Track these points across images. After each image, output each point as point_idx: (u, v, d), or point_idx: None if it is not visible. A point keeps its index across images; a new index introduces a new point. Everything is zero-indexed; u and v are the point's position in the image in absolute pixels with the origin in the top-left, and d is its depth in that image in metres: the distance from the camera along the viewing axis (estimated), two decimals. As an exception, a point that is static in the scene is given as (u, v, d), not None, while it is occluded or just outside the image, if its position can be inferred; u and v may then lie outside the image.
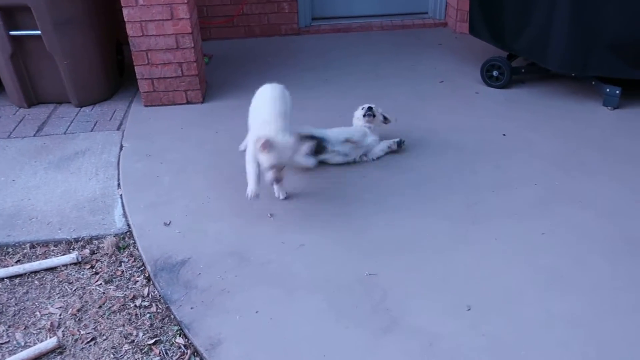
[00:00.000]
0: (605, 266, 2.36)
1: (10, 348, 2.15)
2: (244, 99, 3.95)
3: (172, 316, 2.22)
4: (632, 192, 2.82)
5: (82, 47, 3.83)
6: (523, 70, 3.95)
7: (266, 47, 4.98)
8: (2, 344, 2.17)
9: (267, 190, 2.90)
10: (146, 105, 3.92)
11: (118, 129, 3.67)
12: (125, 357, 2.08)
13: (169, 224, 2.70)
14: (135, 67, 3.83)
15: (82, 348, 2.12)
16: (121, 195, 2.97)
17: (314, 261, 2.44)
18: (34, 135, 3.63)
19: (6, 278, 2.49)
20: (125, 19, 3.68)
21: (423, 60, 4.52)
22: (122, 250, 2.60)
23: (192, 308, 2.22)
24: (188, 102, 3.93)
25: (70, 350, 2.11)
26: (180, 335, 2.14)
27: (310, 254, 2.49)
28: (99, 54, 3.97)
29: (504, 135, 3.39)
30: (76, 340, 2.15)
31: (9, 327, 2.24)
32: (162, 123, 3.70)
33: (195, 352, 2.07)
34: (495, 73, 3.93)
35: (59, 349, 2.11)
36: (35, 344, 2.14)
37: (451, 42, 4.90)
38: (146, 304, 2.31)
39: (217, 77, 4.33)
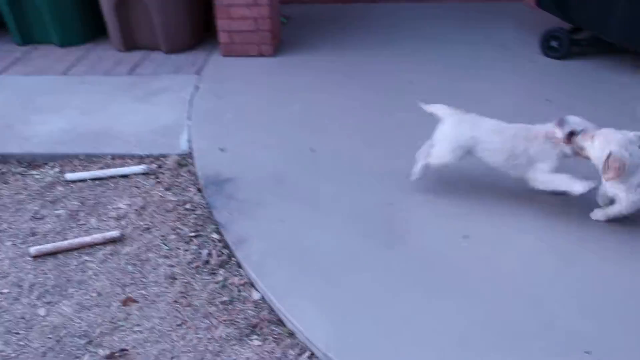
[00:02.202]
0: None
1: (86, 228, 2.67)
2: (312, 55, 4.35)
3: (212, 218, 2.64)
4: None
5: (173, 1, 4.34)
6: (584, 43, 3.97)
7: (343, 12, 5.27)
8: (81, 224, 2.69)
9: (310, 126, 3.26)
10: (224, 55, 4.37)
11: (197, 73, 4.15)
12: (171, 243, 2.53)
13: (223, 150, 3.13)
14: (217, 20, 4.29)
15: (139, 234, 2.60)
16: (189, 125, 3.43)
17: (342, 187, 2.77)
18: (127, 74, 4.19)
19: (90, 179, 3.02)
20: (211, -23, 4.14)
21: (491, 31, 4.62)
22: (182, 167, 3.06)
23: (228, 213, 2.63)
24: (260, 55, 4.34)
25: (129, 234, 2.59)
26: (216, 232, 2.56)
27: (339, 180, 2.82)
28: (187, 8, 4.46)
29: (548, 100, 3.49)
30: (135, 227, 2.64)
31: (87, 214, 2.77)
32: (235, 71, 4.14)
33: (225, 246, 2.48)
34: (554, 44, 3.98)
35: (120, 237, 2.58)
36: (105, 228, 2.65)
37: (523, 15, 4.94)
38: (194, 208, 2.75)
39: (291, 36, 4.69)
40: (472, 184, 2.77)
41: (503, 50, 4.27)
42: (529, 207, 2.60)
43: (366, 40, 4.57)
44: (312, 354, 1.99)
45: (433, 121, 2.64)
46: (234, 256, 2.42)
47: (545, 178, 2.46)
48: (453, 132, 2.57)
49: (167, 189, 2.90)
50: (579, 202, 2.53)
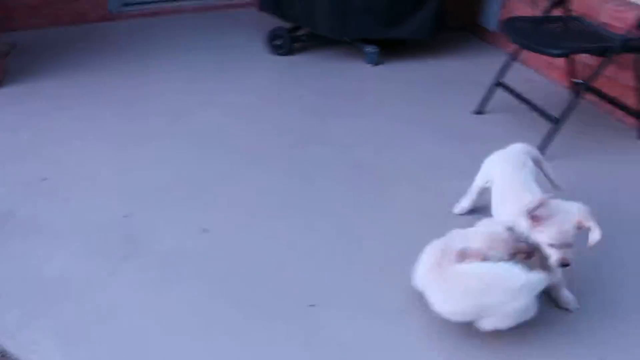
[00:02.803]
0: (335, 188, 2.83)
1: None
2: (43, 81, 4.12)
3: None
4: (366, 127, 3.35)
5: None
6: (304, 38, 4.40)
7: (78, 34, 5.03)
8: None
9: (42, 154, 3.09)
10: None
11: None
12: None
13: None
14: None
15: None
16: None
17: (79, 209, 2.69)
18: None
19: None
20: None
21: (228, 37, 4.85)
22: None
23: (-53, 265, 2.37)
24: (-18, 87, 3.96)
25: None
26: None
27: (76, 204, 2.73)
28: None
29: (279, 94, 3.81)
30: None
31: None
32: (-50, 110, 3.71)
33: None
34: (278, 42, 4.34)
35: None
36: None
37: (255, 19, 5.27)
38: None
39: (21, 64, 4.34)
40: (209, 183, 2.91)
41: (239, 53, 4.51)
42: (262, 200, 2.82)
43: (102, 59, 4.44)
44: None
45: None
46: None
47: None
48: None
49: None
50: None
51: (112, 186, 2.88)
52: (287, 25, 4.42)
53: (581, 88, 3.08)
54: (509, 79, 3.47)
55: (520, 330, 1.96)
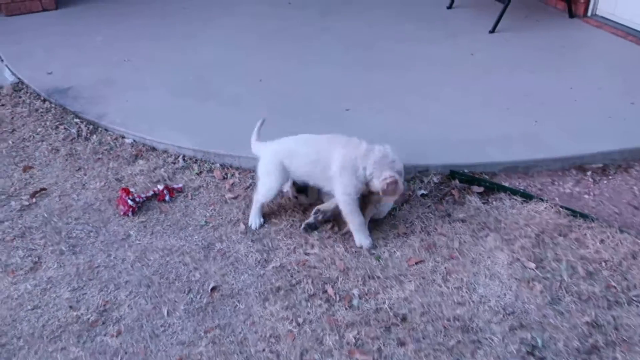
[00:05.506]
0: (341, 52, 3.84)
1: (-47, 145, 3.10)
2: (93, 3, 4.98)
3: (68, 111, 3.30)
4: (360, 23, 4.35)
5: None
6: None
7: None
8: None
9: (115, 48, 4.01)
10: (8, 15, 4.74)
11: (-13, 33, 4.48)
12: (40, 133, 3.15)
13: (51, 73, 3.72)
14: (-9, -16, 4.62)
15: (7, 135, 3.14)
16: (6, 65, 3.89)
17: (161, 71, 3.67)
18: None
19: None
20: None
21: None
22: (19, 91, 3.59)
23: (81, 105, 3.32)
24: (44, 10, 4.82)
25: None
26: (76, 118, 3.24)
27: (154, 74, 3.69)
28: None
29: (289, 3, 4.80)
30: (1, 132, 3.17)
31: (-54, 138, 3.17)
32: (25, 25, 4.58)
33: (89, 123, 3.19)
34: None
35: None
36: (-30, 143, 3.11)
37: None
38: (47, 110, 3.36)
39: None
40: (250, 55, 3.89)
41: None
42: (292, 59, 3.81)
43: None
44: (184, 156, 2.91)
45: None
46: (99, 126, 3.16)
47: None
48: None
49: (15, 106, 3.43)
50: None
51: (179, 63, 3.83)
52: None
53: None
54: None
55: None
